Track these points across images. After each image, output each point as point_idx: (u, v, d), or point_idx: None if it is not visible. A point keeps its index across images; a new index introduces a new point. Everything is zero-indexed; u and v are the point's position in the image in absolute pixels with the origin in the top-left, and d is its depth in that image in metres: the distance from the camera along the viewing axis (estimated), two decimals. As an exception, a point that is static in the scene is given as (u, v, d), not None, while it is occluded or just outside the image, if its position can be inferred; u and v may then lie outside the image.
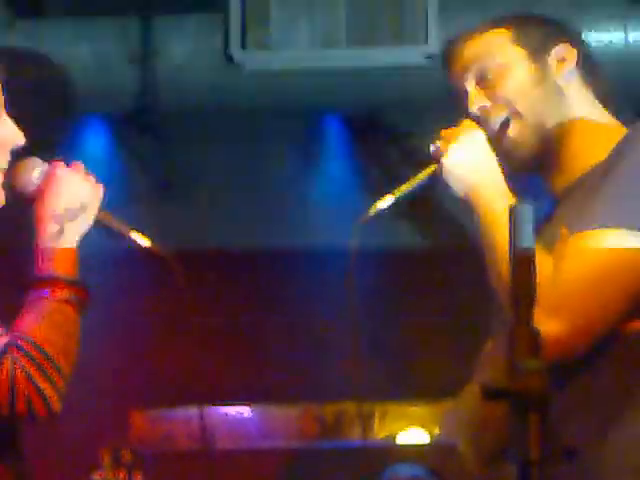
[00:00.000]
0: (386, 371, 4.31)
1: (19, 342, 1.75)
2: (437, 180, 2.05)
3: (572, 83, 2.05)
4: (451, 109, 2.10)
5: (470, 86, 2.06)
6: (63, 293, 1.81)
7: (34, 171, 1.82)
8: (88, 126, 4.03)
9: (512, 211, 1.43)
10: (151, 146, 4.19)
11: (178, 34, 3.58)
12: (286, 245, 4.47)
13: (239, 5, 3.37)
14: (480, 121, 2.04)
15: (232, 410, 4.75)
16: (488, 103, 2.04)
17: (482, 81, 2.07)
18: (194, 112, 3.77)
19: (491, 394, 1.42)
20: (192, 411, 4.14)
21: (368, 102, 3.77)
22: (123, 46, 3.59)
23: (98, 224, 1.88)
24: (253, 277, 4.31)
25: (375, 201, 2.02)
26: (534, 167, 2.05)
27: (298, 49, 3.38)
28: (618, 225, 1.82)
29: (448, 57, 2.10)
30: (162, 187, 4.20)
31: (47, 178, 1.83)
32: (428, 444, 4.58)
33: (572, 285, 1.71)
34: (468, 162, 2.04)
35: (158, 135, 4.17)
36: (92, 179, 1.87)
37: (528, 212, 1.40)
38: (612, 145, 1.92)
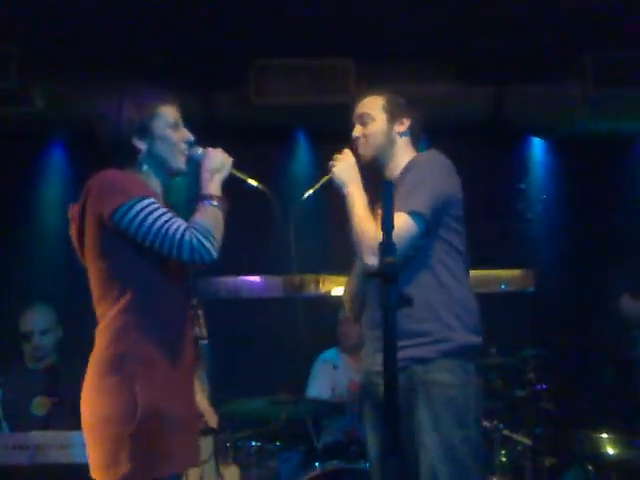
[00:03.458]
0: (327, 257, 5.21)
1: (193, 224, 2.34)
2: (332, 181, 2.63)
3: (401, 138, 2.69)
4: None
5: (356, 123, 2.69)
6: (216, 203, 2.42)
7: (200, 150, 2.53)
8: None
9: (385, 185, 2.00)
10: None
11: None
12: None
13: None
14: (356, 145, 2.67)
15: (249, 278, 5.76)
16: (360, 135, 2.68)
17: (362, 122, 2.70)
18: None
19: (370, 274, 2.29)
20: (229, 278, 5.71)
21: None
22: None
23: (231, 174, 2.52)
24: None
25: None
26: (375, 167, 2.70)
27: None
28: (407, 211, 2.51)
29: (354, 107, 2.70)
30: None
31: (206, 154, 2.52)
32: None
33: (395, 231, 2.06)
34: (344, 172, 2.59)
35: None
36: (225, 153, 2.49)
37: (390, 187, 2.01)
38: (409, 160, 2.62)
